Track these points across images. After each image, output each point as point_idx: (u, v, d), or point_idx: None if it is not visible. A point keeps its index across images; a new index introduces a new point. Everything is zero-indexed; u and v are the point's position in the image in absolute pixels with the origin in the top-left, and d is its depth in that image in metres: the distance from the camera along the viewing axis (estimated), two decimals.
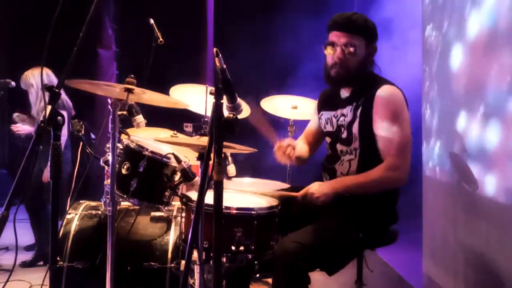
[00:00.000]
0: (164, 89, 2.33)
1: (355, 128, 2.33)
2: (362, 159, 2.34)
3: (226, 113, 1.79)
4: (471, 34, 2.81)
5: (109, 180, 2.30)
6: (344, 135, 2.38)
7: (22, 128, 4.16)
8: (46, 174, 3.97)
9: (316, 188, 2.26)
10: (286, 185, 2.64)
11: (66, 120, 4.07)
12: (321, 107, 2.58)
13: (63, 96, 4.12)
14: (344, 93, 2.43)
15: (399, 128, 2.23)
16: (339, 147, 2.42)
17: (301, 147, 2.62)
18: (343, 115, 2.40)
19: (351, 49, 2.31)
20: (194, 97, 3.40)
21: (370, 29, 2.36)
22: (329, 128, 2.49)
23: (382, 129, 2.25)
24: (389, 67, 2.51)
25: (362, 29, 2.33)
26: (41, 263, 4.03)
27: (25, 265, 3.98)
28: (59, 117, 1.82)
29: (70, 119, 4.07)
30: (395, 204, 2.41)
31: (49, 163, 1.84)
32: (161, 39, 3.09)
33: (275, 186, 2.71)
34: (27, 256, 4.07)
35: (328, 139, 2.51)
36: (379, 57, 2.47)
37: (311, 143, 2.67)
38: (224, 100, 1.79)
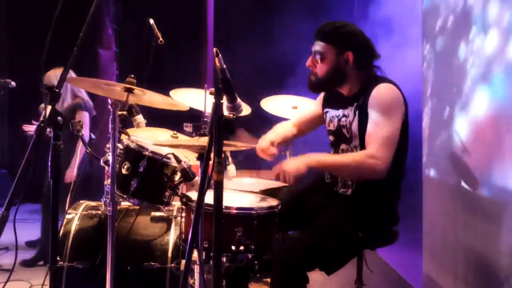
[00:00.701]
0: (164, 90, 2.33)
1: (354, 126, 2.33)
2: None
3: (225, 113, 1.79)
4: None
5: (109, 180, 2.31)
6: (347, 135, 2.38)
7: (34, 128, 4.17)
8: (69, 175, 4.02)
9: (289, 164, 2.22)
10: (284, 184, 2.64)
11: (88, 121, 4.12)
12: (326, 104, 2.56)
13: (85, 97, 4.15)
14: (345, 93, 2.43)
15: (387, 121, 2.22)
16: (340, 146, 2.42)
17: (286, 130, 2.64)
18: (344, 115, 2.40)
19: (318, 57, 2.36)
20: (194, 97, 3.40)
21: (340, 37, 2.33)
22: (332, 127, 2.49)
23: (371, 119, 2.25)
24: (389, 66, 2.49)
25: (330, 37, 2.33)
26: (41, 263, 4.03)
27: (26, 264, 3.97)
28: (59, 117, 1.82)
29: (90, 120, 4.14)
30: (396, 205, 2.40)
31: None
32: (161, 39, 3.08)
33: (275, 185, 2.72)
34: (28, 255, 4.07)
35: (331, 138, 2.51)
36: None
37: (300, 129, 2.69)
38: (224, 100, 1.79)
